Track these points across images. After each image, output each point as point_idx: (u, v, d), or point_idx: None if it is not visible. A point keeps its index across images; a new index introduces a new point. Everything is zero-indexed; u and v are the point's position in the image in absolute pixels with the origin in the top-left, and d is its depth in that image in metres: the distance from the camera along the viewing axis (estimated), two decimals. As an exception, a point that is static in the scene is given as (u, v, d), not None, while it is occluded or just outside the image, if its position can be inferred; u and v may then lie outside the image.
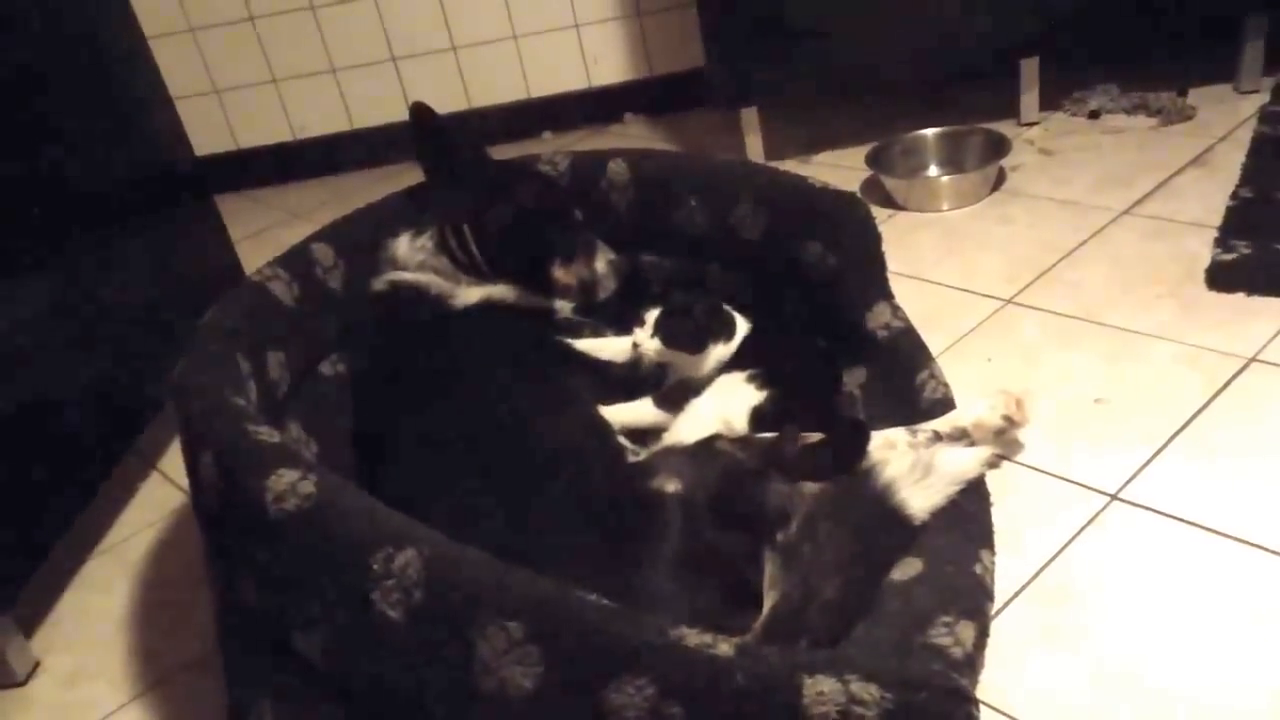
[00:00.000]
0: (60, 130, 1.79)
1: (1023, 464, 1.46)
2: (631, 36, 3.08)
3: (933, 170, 2.40)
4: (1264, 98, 2.41)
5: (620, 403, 1.55)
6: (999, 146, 2.30)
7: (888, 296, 1.62)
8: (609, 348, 1.62)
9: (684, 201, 1.75)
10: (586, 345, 1.60)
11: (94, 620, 1.60)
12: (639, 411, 1.55)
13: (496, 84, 3.14)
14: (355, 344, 1.60)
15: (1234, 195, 2.02)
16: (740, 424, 1.47)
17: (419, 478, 1.31)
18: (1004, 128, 2.42)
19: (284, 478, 1.04)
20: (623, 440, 1.47)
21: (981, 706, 0.90)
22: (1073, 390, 1.59)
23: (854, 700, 0.85)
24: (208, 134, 3.11)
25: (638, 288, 1.76)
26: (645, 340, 1.53)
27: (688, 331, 1.54)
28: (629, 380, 1.59)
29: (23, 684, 1.49)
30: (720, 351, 1.56)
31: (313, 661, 1.05)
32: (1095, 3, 2.36)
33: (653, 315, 1.54)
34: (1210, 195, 2.04)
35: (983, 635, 1.14)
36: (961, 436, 1.41)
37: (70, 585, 1.69)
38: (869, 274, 1.63)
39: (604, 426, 1.48)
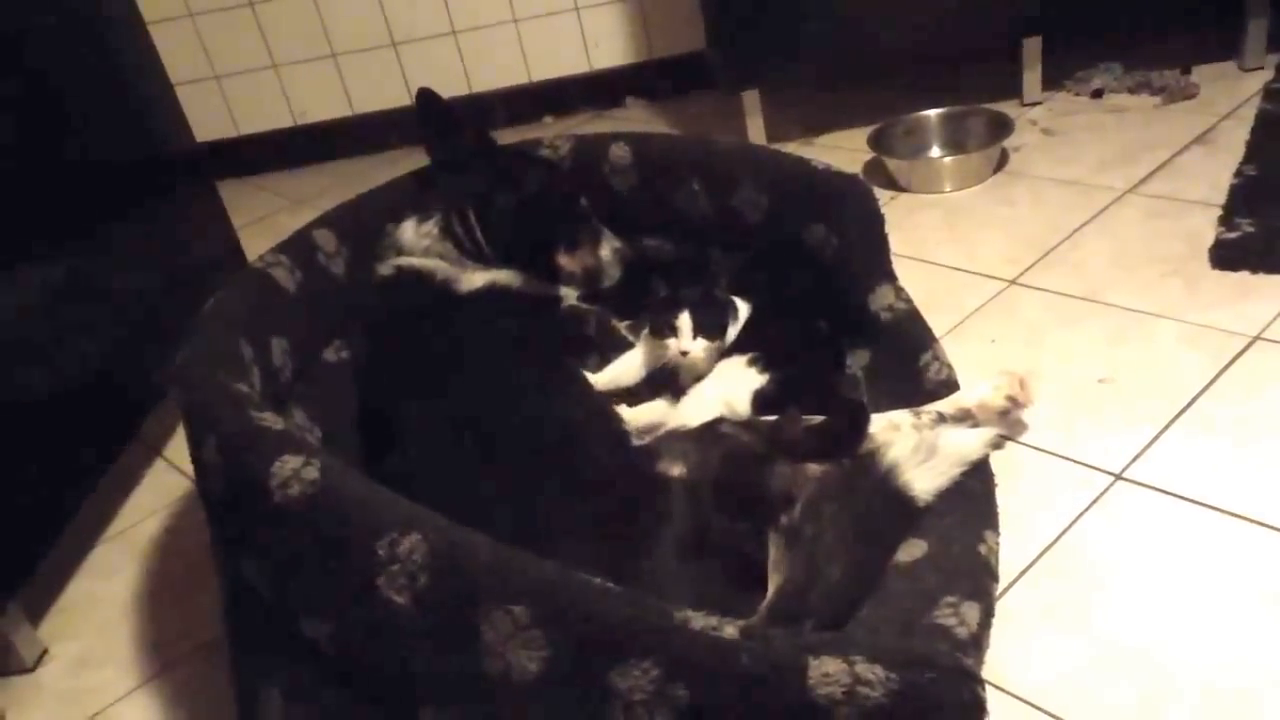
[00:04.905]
0: (60, 117, 1.79)
1: (1027, 444, 1.46)
2: (632, 19, 3.06)
3: (935, 151, 2.39)
4: (1268, 74, 2.39)
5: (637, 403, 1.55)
6: (1001, 127, 2.29)
7: (891, 278, 1.62)
8: (624, 368, 1.60)
9: (686, 184, 1.74)
10: (601, 378, 1.59)
11: (101, 607, 1.61)
12: (660, 412, 1.54)
13: (497, 68, 3.13)
14: (359, 329, 1.60)
15: (1238, 173, 2.01)
16: (743, 407, 1.47)
17: (423, 463, 1.31)
18: (1006, 108, 2.41)
19: (288, 464, 1.04)
20: (627, 425, 1.47)
21: (987, 686, 0.90)
22: (1076, 370, 1.59)
23: (859, 681, 0.86)
24: (208, 120, 3.10)
25: (641, 273, 1.75)
26: (690, 344, 1.51)
27: (717, 321, 1.54)
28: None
29: (31, 670, 1.50)
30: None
31: (320, 646, 1.05)
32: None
33: (683, 320, 1.51)
34: (1214, 173, 2.03)
35: (988, 616, 1.15)
36: (965, 418, 1.40)
37: (77, 572, 1.69)
38: (872, 256, 1.62)
39: (608, 411, 1.48)
